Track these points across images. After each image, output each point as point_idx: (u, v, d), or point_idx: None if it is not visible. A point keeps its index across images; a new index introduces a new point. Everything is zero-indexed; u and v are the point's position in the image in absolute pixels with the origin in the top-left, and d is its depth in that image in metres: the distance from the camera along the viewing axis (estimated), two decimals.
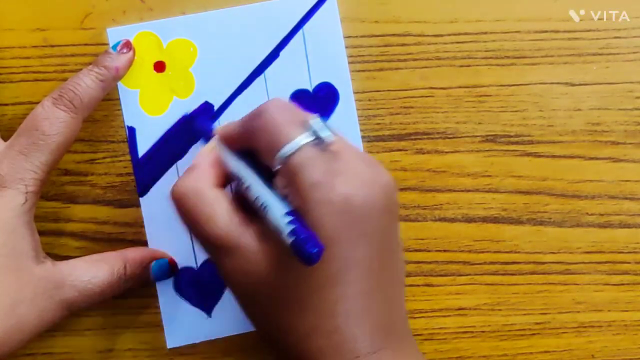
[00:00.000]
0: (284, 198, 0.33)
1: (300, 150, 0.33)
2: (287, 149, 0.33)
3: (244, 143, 0.35)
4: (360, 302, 0.33)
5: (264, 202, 0.33)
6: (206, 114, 0.41)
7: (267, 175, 0.34)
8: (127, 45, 0.40)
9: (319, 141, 0.33)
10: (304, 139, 0.33)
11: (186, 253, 0.41)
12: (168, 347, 0.41)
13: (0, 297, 0.35)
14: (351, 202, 0.32)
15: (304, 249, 0.30)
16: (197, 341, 0.41)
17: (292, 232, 0.31)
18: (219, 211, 0.34)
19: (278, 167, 0.33)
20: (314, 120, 0.33)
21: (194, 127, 0.40)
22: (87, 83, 0.38)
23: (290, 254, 0.31)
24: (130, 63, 0.40)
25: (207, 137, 0.38)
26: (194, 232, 0.35)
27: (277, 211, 0.32)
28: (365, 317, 0.33)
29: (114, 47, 0.40)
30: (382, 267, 0.33)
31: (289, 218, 0.32)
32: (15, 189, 0.36)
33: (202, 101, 0.41)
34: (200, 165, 0.36)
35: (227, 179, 0.36)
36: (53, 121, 0.37)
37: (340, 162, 0.33)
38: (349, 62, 0.41)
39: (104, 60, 0.39)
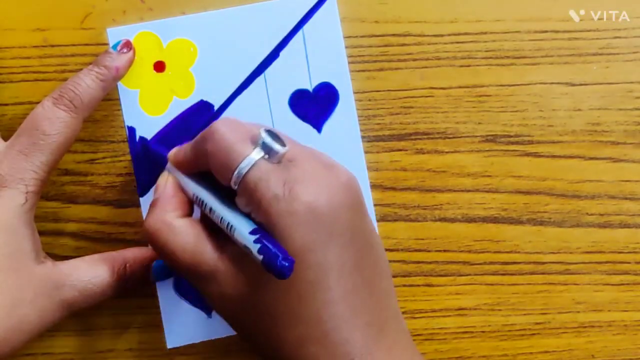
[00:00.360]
0: (248, 216, 0.33)
1: (254, 166, 0.33)
2: (241, 168, 0.33)
3: (198, 167, 0.36)
4: (346, 303, 0.33)
5: (229, 222, 0.33)
6: (203, 112, 0.41)
7: (230, 194, 0.34)
8: (127, 45, 0.40)
9: (271, 153, 0.33)
10: (255, 155, 0.33)
11: None
12: (168, 347, 0.41)
13: (2, 298, 0.35)
14: (315, 208, 0.32)
15: (274, 265, 0.31)
16: (197, 341, 0.41)
17: (260, 250, 0.31)
18: (191, 241, 0.34)
19: (235, 187, 0.33)
20: (264, 133, 0.33)
21: (149, 154, 0.40)
22: (87, 83, 0.38)
23: (264, 270, 0.31)
24: (130, 63, 0.40)
25: (162, 163, 0.38)
26: (170, 263, 0.35)
27: (243, 230, 0.32)
28: (354, 318, 0.33)
29: (114, 46, 0.40)
30: (361, 264, 0.34)
31: (255, 236, 0.32)
32: (15, 189, 0.36)
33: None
34: (163, 196, 0.36)
35: (192, 206, 0.36)
36: (53, 121, 0.37)
37: (297, 169, 0.33)
38: (349, 62, 0.41)
39: (104, 60, 0.39)
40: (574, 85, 0.41)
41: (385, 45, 0.41)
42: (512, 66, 0.41)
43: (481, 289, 0.42)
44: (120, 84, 0.41)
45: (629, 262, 0.42)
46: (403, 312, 0.41)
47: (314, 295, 0.32)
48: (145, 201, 0.41)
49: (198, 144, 0.35)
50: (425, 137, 0.42)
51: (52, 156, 0.37)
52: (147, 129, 0.41)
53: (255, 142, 0.33)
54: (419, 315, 0.42)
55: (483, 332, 0.42)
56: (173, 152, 0.38)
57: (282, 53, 0.41)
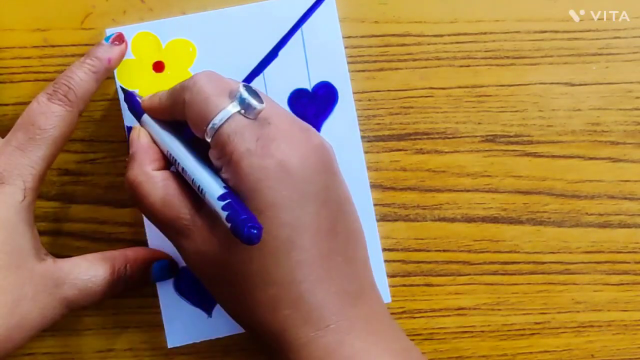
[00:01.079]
0: (219, 171, 0.33)
1: (229, 119, 0.33)
2: (216, 120, 0.33)
3: (171, 115, 0.36)
4: (320, 266, 0.33)
5: (200, 184, 0.33)
6: None
7: (204, 150, 0.34)
8: (119, 37, 0.40)
9: (248, 109, 0.33)
10: (232, 108, 0.33)
11: None
12: (168, 346, 0.41)
13: (3, 295, 0.35)
14: (286, 166, 0.32)
15: (242, 232, 0.30)
16: (197, 341, 0.41)
17: (228, 217, 0.31)
18: (171, 193, 0.34)
19: (209, 139, 0.33)
20: (242, 88, 0.33)
21: (128, 102, 0.39)
22: (80, 76, 0.38)
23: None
24: (122, 55, 0.40)
25: (138, 112, 0.38)
26: (150, 217, 0.35)
27: (213, 194, 0.32)
28: (328, 282, 0.33)
29: (106, 40, 0.40)
30: (336, 229, 0.34)
31: (224, 202, 0.32)
32: (13, 185, 0.36)
33: None
34: (139, 150, 0.36)
35: (167, 158, 0.36)
36: (49, 116, 0.37)
37: (271, 127, 0.33)
38: (349, 62, 0.41)
39: (96, 52, 0.39)
40: (573, 85, 0.41)
41: (385, 45, 0.41)
42: (512, 66, 0.41)
43: (481, 289, 0.42)
44: (119, 84, 0.41)
45: (628, 262, 0.42)
46: (403, 312, 0.41)
47: (288, 254, 0.32)
48: None
49: (176, 92, 0.35)
50: (425, 137, 0.42)
51: (49, 150, 0.37)
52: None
53: (233, 96, 0.33)
54: (419, 315, 0.42)
55: (483, 331, 0.42)
56: (147, 97, 0.38)
57: (281, 52, 0.41)
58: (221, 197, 0.32)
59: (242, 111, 0.33)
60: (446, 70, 0.41)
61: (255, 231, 0.30)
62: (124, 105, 0.41)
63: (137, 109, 0.38)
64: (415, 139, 0.41)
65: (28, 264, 0.36)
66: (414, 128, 0.41)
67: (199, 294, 0.41)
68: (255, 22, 0.41)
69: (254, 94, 0.33)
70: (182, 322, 0.41)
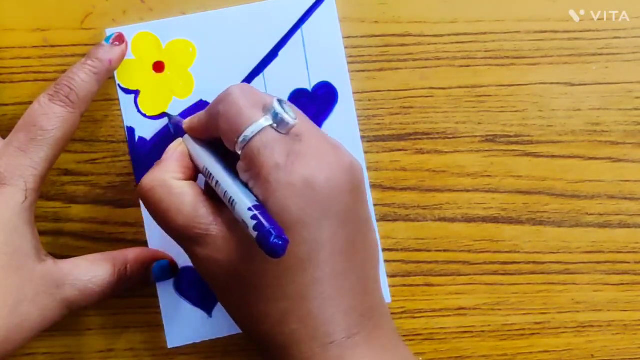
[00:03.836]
0: (247, 183, 0.33)
1: (261, 132, 0.33)
2: (247, 132, 0.33)
3: (209, 131, 0.36)
4: (333, 284, 0.33)
5: (231, 195, 0.33)
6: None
7: (235, 163, 0.34)
8: (120, 38, 0.40)
9: (280, 124, 0.33)
10: (264, 122, 0.33)
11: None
12: (168, 347, 0.41)
13: (3, 296, 0.35)
14: (313, 184, 0.32)
15: (268, 243, 0.30)
16: (197, 341, 0.41)
17: (256, 226, 0.31)
18: (186, 201, 0.34)
19: (239, 151, 0.33)
20: (276, 103, 0.33)
21: (170, 122, 0.40)
22: (81, 77, 0.38)
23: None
24: (123, 55, 0.40)
25: (180, 132, 0.38)
26: (162, 224, 0.35)
27: (243, 204, 0.32)
28: (339, 300, 0.33)
29: (107, 40, 0.40)
30: (353, 248, 0.34)
31: (253, 212, 0.32)
32: (15, 186, 0.36)
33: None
34: (167, 159, 0.36)
35: (196, 172, 0.36)
36: (50, 117, 0.37)
37: (302, 144, 0.33)
38: (349, 62, 0.41)
39: (97, 53, 0.39)
40: (573, 85, 0.41)
41: (385, 45, 0.41)
42: (512, 66, 0.41)
43: (481, 289, 0.42)
44: (119, 84, 0.41)
45: (628, 262, 0.42)
46: (403, 312, 0.41)
47: (304, 271, 0.32)
48: None
49: (212, 107, 0.35)
50: (425, 137, 0.42)
51: (50, 152, 0.37)
52: (147, 129, 0.41)
53: (267, 110, 0.33)
54: (419, 315, 0.42)
55: (483, 331, 0.42)
56: (188, 119, 0.38)
57: (281, 52, 0.41)
58: (251, 209, 0.32)
59: (275, 125, 0.33)
60: (446, 70, 0.41)
61: (281, 242, 0.30)
62: (124, 105, 0.41)
63: (179, 129, 0.38)
64: (415, 139, 0.41)
65: (29, 265, 0.36)
66: (414, 128, 0.41)
67: (199, 294, 0.41)
68: (255, 22, 0.41)
69: (288, 109, 0.33)
70: (182, 322, 0.41)
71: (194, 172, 0.36)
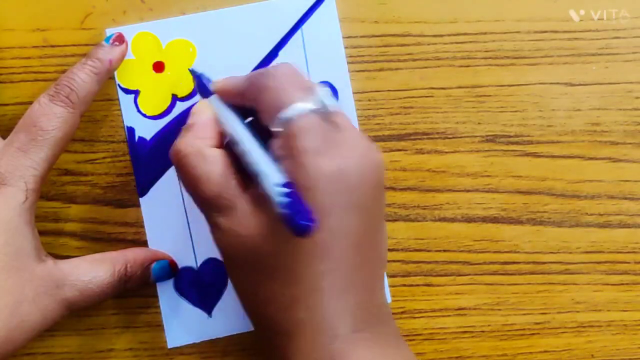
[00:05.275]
0: (278, 162, 0.33)
1: (303, 114, 0.33)
2: (290, 112, 0.33)
3: (245, 99, 0.35)
4: (345, 278, 0.33)
5: (259, 169, 0.33)
6: None
7: (263, 136, 0.34)
8: (120, 38, 0.40)
9: (323, 110, 0.33)
10: (309, 105, 0.33)
11: (186, 253, 0.41)
12: (168, 347, 0.41)
13: (4, 297, 0.35)
14: (345, 173, 0.32)
15: (297, 222, 0.30)
16: (197, 341, 0.41)
17: (286, 204, 0.31)
18: (218, 170, 0.34)
19: (276, 128, 0.33)
20: (322, 89, 0.33)
21: (196, 81, 0.40)
22: (82, 77, 0.38)
23: (283, 224, 0.31)
24: (123, 55, 0.40)
25: (206, 93, 0.38)
26: (191, 190, 0.35)
27: (272, 180, 0.32)
28: (348, 295, 0.33)
29: (107, 40, 0.40)
30: (369, 243, 0.34)
31: (284, 190, 0.31)
32: (15, 186, 0.36)
33: None
34: (198, 123, 0.36)
35: (223, 138, 0.36)
36: (51, 117, 0.37)
37: (339, 134, 0.33)
38: (349, 62, 0.41)
39: (97, 53, 0.39)
40: (573, 85, 0.41)
41: (385, 46, 0.41)
42: (512, 66, 0.41)
43: (481, 289, 0.42)
44: (119, 84, 0.41)
45: (628, 262, 0.42)
46: (403, 312, 0.41)
47: (320, 259, 0.32)
48: (145, 201, 0.41)
49: (255, 77, 0.35)
50: (425, 137, 0.42)
51: (51, 152, 0.37)
52: (147, 129, 0.41)
53: (311, 93, 0.33)
54: (419, 315, 0.42)
55: (483, 331, 0.42)
56: (222, 79, 0.37)
57: (281, 53, 0.41)
58: (280, 186, 0.32)
59: (317, 110, 0.33)
60: (446, 70, 0.41)
61: (311, 224, 0.30)
62: (124, 105, 0.41)
63: (206, 89, 0.38)
64: (415, 139, 0.41)
65: (29, 265, 0.36)
66: (414, 128, 0.41)
67: (199, 294, 0.41)
68: (255, 22, 0.41)
69: (332, 97, 0.34)
70: (182, 322, 0.41)
71: (222, 139, 0.36)
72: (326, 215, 0.32)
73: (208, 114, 0.36)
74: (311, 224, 0.30)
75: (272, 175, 0.32)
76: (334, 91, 0.41)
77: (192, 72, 0.40)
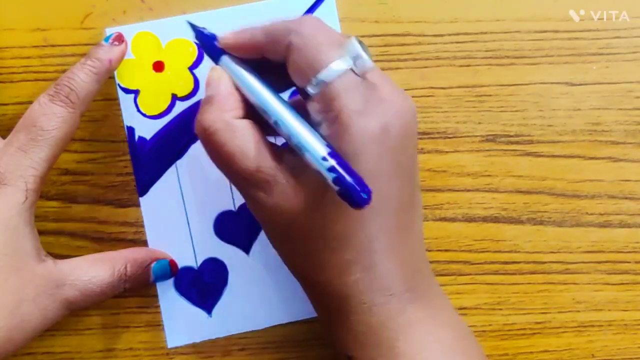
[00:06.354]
0: (317, 125, 0.32)
1: (341, 75, 0.31)
2: (328, 74, 0.31)
3: (266, 54, 0.33)
4: (396, 237, 0.33)
5: (302, 143, 0.31)
6: None
7: (280, 84, 0.33)
8: (119, 38, 0.40)
9: (360, 66, 0.32)
10: (345, 63, 0.32)
11: (186, 253, 0.41)
12: (168, 346, 0.41)
13: (4, 297, 0.35)
14: (389, 131, 0.32)
15: (355, 197, 0.30)
16: (197, 341, 0.41)
17: (337, 180, 0.30)
18: (251, 144, 0.33)
19: (313, 90, 0.32)
20: (354, 43, 0.32)
21: (199, 39, 0.36)
22: (81, 77, 0.38)
23: (334, 194, 0.30)
24: (122, 55, 0.40)
25: (215, 54, 0.35)
26: (225, 167, 0.33)
27: (319, 153, 0.31)
28: (399, 253, 0.33)
29: (106, 40, 0.40)
30: (411, 203, 0.33)
31: (333, 163, 0.30)
32: (15, 186, 0.36)
33: None
34: (219, 94, 0.33)
35: (247, 106, 0.34)
36: (51, 117, 0.37)
37: (378, 90, 0.32)
38: None
39: (97, 53, 0.39)
40: (573, 85, 0.42)
41: (385, 45, 0.41)
42: (512, 66, 0.41)
43: (481, 289, 0.42)
44: (119, 84, 0.41)
45: (628, 262, 0.42)
46: None
47: (372, 221, 0.32)
48: (145, 201, 0.41)
49: (277, 31, 0.33)
50: (425, 137, 0.42)
51: (51, 152, 0.37)
52: (147, 129, 0.41)
53: (345, 49, 0.32)
54: None
55: (484, 331, 0.42)
56: (231, 33, 0.34)
57: None
58: (326, 158, 0.31)
59: (354, 68, 0.32)
60: (446, 70, 0.41)
61: (366, 196, 0.30)
62: (124, 105, 0.41)
63: (214, 48, 0.35)
64: None
65: (29, 265, 0.36)
66: None
67: (199, 293, 0.41)
68: (255, 22, 0.41)
69: (366, 49, 0.32)
70: (182, 322, 0.41)
71: (247, 105, 0.34)
72: (376, 178, 0.31)
73: (226, 83, 0.34)
74: (367, 196, 0.30)
75: (315, 147, 0.31)
76: None
77: (192, 26, 0.36)
